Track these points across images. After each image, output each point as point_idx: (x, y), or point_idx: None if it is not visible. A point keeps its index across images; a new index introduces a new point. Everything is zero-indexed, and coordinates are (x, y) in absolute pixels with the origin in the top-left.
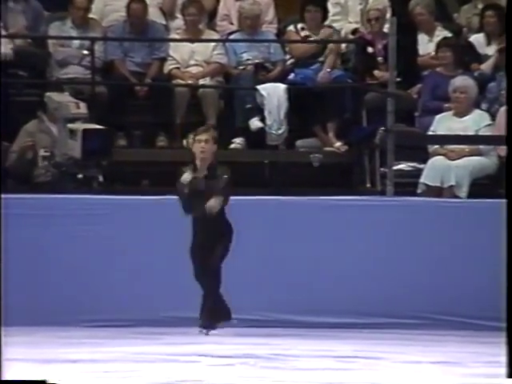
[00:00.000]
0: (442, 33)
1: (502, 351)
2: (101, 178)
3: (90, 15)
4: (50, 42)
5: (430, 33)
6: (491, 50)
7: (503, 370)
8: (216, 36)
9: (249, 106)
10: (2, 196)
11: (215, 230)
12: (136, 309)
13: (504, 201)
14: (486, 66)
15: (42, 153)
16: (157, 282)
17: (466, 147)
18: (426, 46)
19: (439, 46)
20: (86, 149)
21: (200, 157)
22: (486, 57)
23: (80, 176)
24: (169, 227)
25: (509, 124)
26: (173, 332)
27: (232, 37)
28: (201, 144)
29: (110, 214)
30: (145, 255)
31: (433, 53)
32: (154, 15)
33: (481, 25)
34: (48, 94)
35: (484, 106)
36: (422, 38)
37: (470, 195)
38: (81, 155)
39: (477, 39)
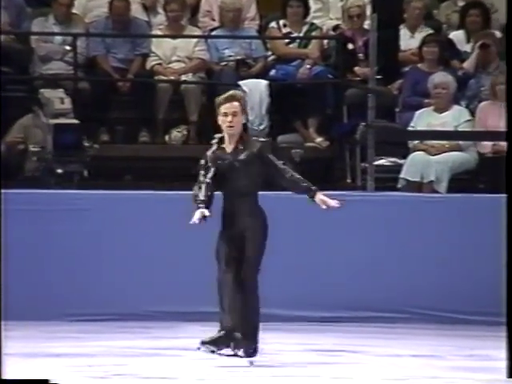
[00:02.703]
0: (423, 29)
1: (481, 344)
2: (85, 173)
3: (73, 11)
4: (32, 37)
5: (414, 29)
6: (470, 47)
7: (482, 363)
8: (198, 32)
9: None
10: None
11: (245, 220)
12: (121, 303)
13: (483, 195)
14: (467, 64)
15: (32, 148)
16: (142, 277)
17: (445, 143)
18: (407, 41)
19: (425, 41)
20: (57, 143)
21: (228, 133)
22: (466, 53)
23: (60, 171)
24: (152, 221)
25: (509, 121)
26: (158, 326)
27: (214, 33)
28: (227, 118)
29: (93, 209)
30: (129, 250)
31: (415, 49)
32: (137, 11)
33: (461, 22)
34: (41, 90)
35: (463, 102)
36: (403, 34)
37: (450, 190)
38: (52, 149)
39: (456, 36)
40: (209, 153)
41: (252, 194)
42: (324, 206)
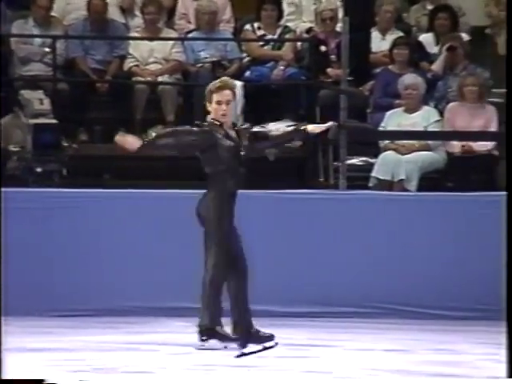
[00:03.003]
0: (394, 32)
1: (449, 338)
2: (64, 172)
3: (52, 14)
4: (12, 39)
5: (385, 31)
6: (439, 49)
7: (451, 357)
8: (174, 34)
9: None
10: None
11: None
12: (100, 299)
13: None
14: (435, 66)
15: (12, 148)
16: (120, 273)
17: (415, 142)
18: (378, 44)
19: (395, 44)
20: (37, 142)
21: (222, 121)
22: (434, 56)
23: (39, 170)
24: (130, 218)
25: (508, 121)
26: (136, 321)
27: (190, 35)
28: (222, 106)
29: (72, 207)
30: (107, 246)
31: (386, 51)
32: (114, 14)
33: (430, 25)
34: (21, 91)
35: (431, 103)
36: (375, 37)
37: (420, 189)
38: (32, 148)
39: (425, 38)
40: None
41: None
42: (318, 131)
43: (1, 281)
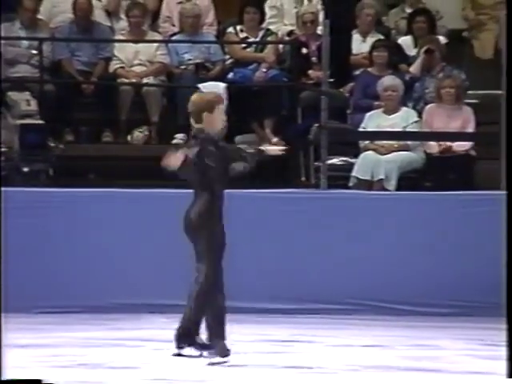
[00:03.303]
0: (374, 35)
1: (429, 334)
2: (51, 172)
3: (38, 17)
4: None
5: (365, 34)
6: (416, 52)
7: (430, 352)
8: (159, 37)
9: None
10: None
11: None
12: (85, 296)
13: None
14: (413, 68)
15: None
16: (105, 270)
17: (394, 143)
18: (359, 46)
19: (375, 46)
20: (24, 143)
21: (222, 133)
22: (413, 58)
23: (26, 170)
24: (115, 217)
25: (508, 123)
26: (120, 318)
27: (174, 38)
28: (223, 117)
29: (58, 206)
30: (93, 244)
31: (365, 53)
32: (100, 17)
33: (408, 28)
34: (8, 92)
35: (409, 104)
36: (355, 39)
37: (399, 188)
38: (19, 148)
39: (404, 41)
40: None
41: None
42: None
43: (1, 280)
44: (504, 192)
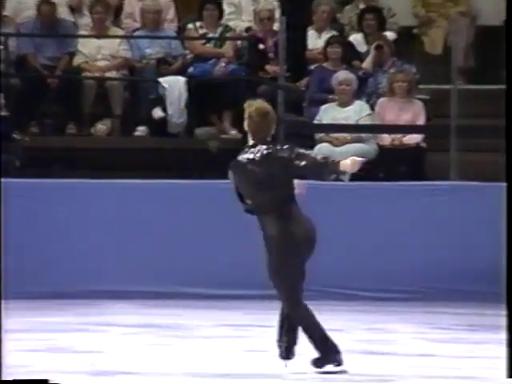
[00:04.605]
0: (328, 31)
1: (382, 318)
2: (17, 163)
3: (4, 13)
4: None
5: (321, 30)
6: (367, 48)
7: (383, 336)
8: (121, 32)
9: (152, 96)
10: None
11: None
12: (52, 282)
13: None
14: (365, 63)
15: None
16: (71, 258)
17: (348, 135)
18: (314, 42)
19: (329, 42)
20: None
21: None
22: (364, 54)
23: None
24: (79, 206)
25: (508, 119)
26: (86, 304)
27: (136, 33)
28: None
29: (25, 196)
30: (59, 232)
31: (320, 49)
32: (64, 13)
33: (359, 25)
34: None
35: (363, 98)
36: (311, 35)
37: (352, 179)
38: None
39: (355, 38)
40: None
41: None
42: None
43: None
44: (454, 182)
